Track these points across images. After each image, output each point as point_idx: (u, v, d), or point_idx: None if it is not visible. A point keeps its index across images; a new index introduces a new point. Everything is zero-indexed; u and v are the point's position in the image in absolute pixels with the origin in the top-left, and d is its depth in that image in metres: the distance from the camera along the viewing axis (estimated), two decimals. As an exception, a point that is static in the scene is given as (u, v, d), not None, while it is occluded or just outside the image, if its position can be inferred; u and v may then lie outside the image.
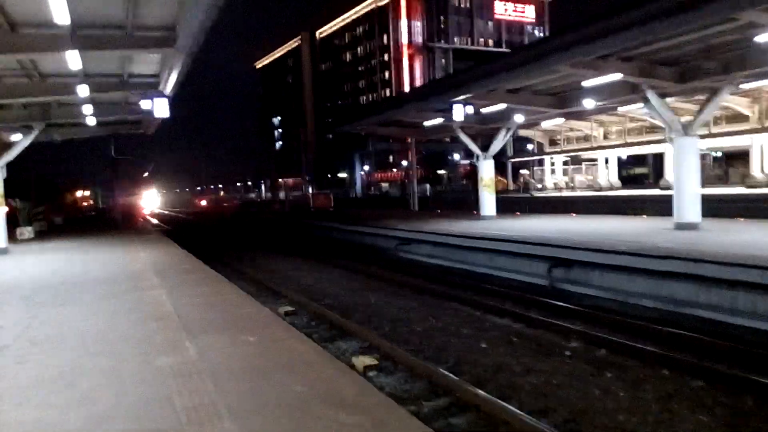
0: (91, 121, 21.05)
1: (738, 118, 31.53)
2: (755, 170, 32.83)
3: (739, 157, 44.82)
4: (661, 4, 11.31)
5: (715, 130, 30.26)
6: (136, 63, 15.09)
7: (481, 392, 7.06)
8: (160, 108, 15.33)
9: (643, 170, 59.35)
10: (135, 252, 17.10)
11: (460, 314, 11.68)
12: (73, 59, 11.94)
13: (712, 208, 16.24)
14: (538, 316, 11.01)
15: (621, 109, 27.65)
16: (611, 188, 41.64)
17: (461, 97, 19.16)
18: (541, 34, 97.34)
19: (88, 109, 18.60)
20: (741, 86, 16.44)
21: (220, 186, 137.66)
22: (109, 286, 10.64)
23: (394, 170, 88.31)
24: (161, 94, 15.57)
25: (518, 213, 27.50)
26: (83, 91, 14.82)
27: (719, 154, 41.79)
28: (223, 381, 4.94)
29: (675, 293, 10.66)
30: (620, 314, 11.12)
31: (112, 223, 38.04)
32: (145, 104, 15.42)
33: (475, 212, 27.43)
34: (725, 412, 6.57)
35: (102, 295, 9.68)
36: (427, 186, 64.70)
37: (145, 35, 12.11)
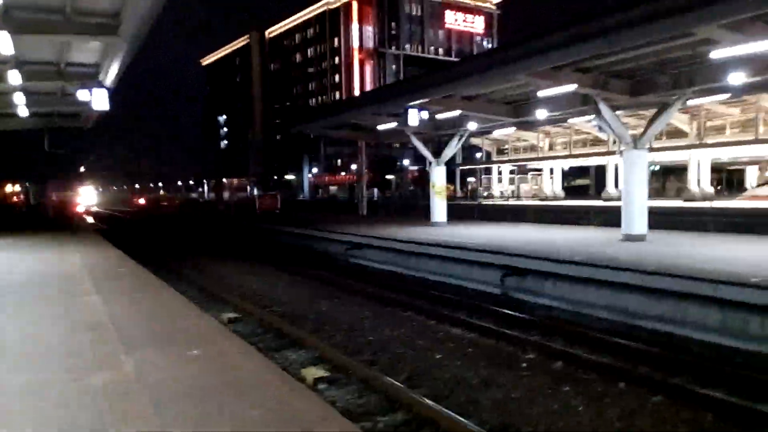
0: (23, 112, 19.66)
1: (677, 133, 32.76)
2: (692, 184, 34.12)
3: (675, 171, 46.69)
4: (623, 15, 11.36)
5: (656, 144, 31.26)
6: (75, 51, 14.10)
7: (439, 407, 6.74)
8: (99, 100, 14.38)
9: (584, 181, 61.02)
10: (68, 253, 16.00)
11: (415, 323, 11.37)
12: (3, 42, 10.94)
13: (653, 219, 16.56)
14: (493, 326, 10.82)
15: (570, 121, 28.16)
16: (555, 198, 42.54)
17: (417, 102, 18.93)
18: (490, 45, 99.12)
19: (19, 98, 17.32)
20: (688, 102, 16.85)
21: (161, 185, 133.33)
22: (36, 291, 9.75)
23: (343, 174, 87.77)
24: (101, 85, 14.62)
25: (468, 220, 27.54)
26: (14, 78, 13.71)
27: (657, 167, 43.31)
28: (165, 404, 4.36)
29: (629, 304, 10.66)
30: (575, 324, 11.07)
31: (45, 220, 35.95)
32: (82, 95, 14.43)
33: (424, 218, 27.29)
34: (688, 429, 6.47)
35: (28, 301, 8.83)
36: (375, 190, 64.55)
37: (85, 21, 11.27)
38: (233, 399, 4.44)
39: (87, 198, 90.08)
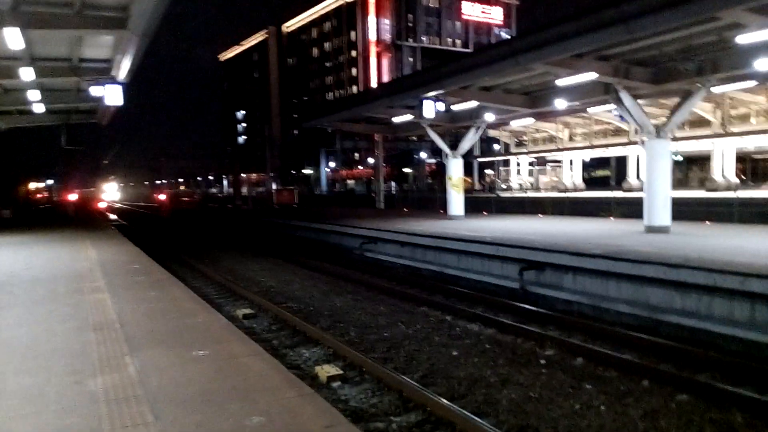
0: (39, 108, 19.72)
1: (701, 122, 31.99)
2: (716, 174, 33.32)
3: (698, 161, 45.73)
4: (643, 1, 10.95)
5: (678, 134, 30.55)
6: (87, 46, 14.03)
7: (455, 407, 6.52)
8: (112, 95, 14.30)
9: (605, 173, 60.08)
10: (84, 249, 16.02)
11: (431, 319, 11.16)
12: (13, 38, 10.85)
13: (676, 210, 16.11)
14: (511, 321, 10.59)
15: (590, 111, 27.60)
16: (575, 189, 41.85)
17: (432, 93, 18.62)
18: (508, 36, 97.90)
19: (35, 95, 17.35)
20: (713, 90, 16.32)
21: (181, 180, 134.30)
22: (49, 287, 9.70)
23: (360, 168, 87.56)
24: (114, 81, 14.55)
25: (485, 213, 27.19)
26: (28, 74, 13.67)
27: (680, 157, 42.42)
28: (166, 410, 4.19)
29: (651, 298, 10.32)
30: (595, 320, 10.78)
31: (65, 217, 36.33)
32: (96, 91, 14.37)
33: (441, 211, 26.99)
34: (716, 429, 6.16)
35: (40, 298, 8.76)
36: (393, 184, 64.28)
37: (96, 15, 11.15)
38: (237, 404, 4.26)
39: (109, 194, 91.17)
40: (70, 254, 14.73)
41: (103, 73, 15.14)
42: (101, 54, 14.71)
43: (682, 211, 18.42)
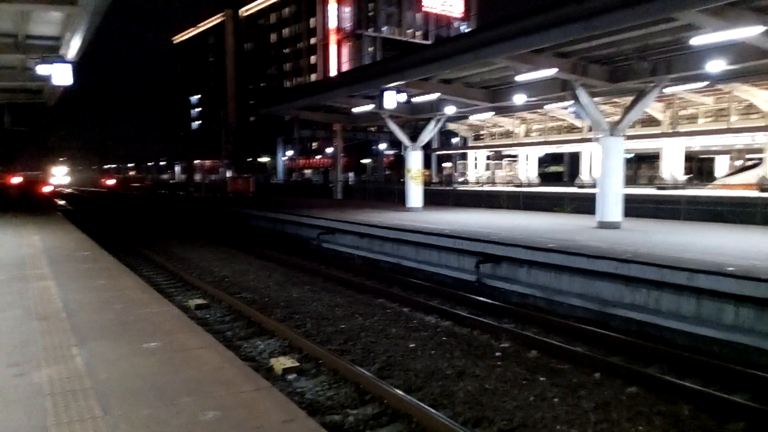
0: (-19, 87, 18.72)
1: (651, 121, 32.99)
2: (665, 172, 34.44)
3: (647, 159, 47.20)
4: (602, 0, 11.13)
5: (630, 132, 31.42)
6: (35, 22, 13.31)
7: (412, 400, 6.51)
8: (60, 75, 13.67)
9: (559, 168, 61.42)
10: (28, 235, 15.35)
11: (388, 311, 11.14)
12: (-48, 10, 10.23)
13: (627, 207, 16.55)
14: (467, 313, 10.67)
15: (547, 107, 28.08)
16: (530, 184, 42.59)
17: (394, 84, 18.55)
18: (467, 30, 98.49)
19: (-24, 72, 16.44)
20: (665, 90, 16.79)
21: (130, 165, 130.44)
22: (-11, 275, 9.23)
23: (318, 157, 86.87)
24: (63, 60, 13.89)
25: (443, 205, 27.36)
26: (-32, 50, 12.94)
27: (631, 155, 43.67)
28: (115, 404, 4.01)
29: (602, 293, 10.57)
30: (548, 313, 10.97)
31: (8, 201, 34.78)
32: (43, 69, 13.70)
33: (400, 203, 27.03)
34: (664, 421, 6.34)
35: (-21, 286, 8.33)
36: (350, 174, 64.06)
37: (43, -11, 10.58)
38: (190, 398, 4.12)
39: (59, 178, 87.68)
40: (13, 240, 14.09)
41: (52, 51, 14.42)
42: (49, 31, 14.00)
43: (633, 207, 18.94)
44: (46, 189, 58.81)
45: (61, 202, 44.53)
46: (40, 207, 30.64)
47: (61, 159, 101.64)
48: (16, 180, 42.75)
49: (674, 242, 12.52)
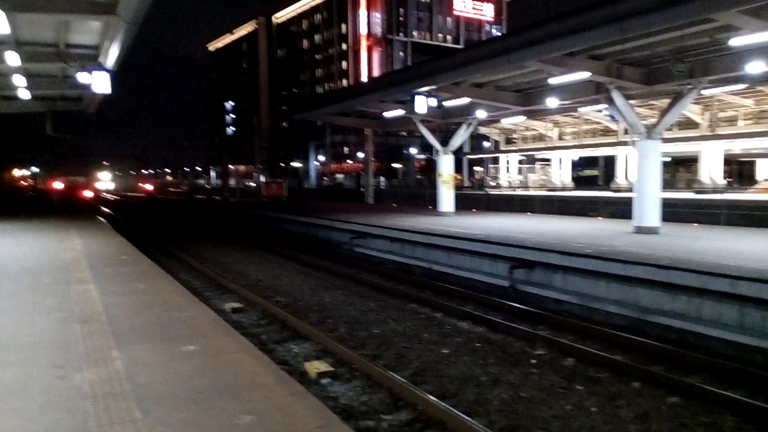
0: (25, 95, 19.34)
1: (689, 124, 32.20)
2: (703, 176, 33.59)
3: (685, 163, 46.08)
4: (637, 1, 10.91)
5: (667, 135, 30.74)
6: (75, 32, 13.73)
7: (446, 406, 6.46)
8: (100, 83, 14.04)
9: (593, 172, 60.41)
10: (70, 239, 15.76)
11: (420, 316, 11.09)
12: (-1, 21, 10.59)
13: (664, 212, 16.18)
14: (501, 320, 10.55)
15: (581, 110, 27.67)
16: (564, 188, 42.03)
17: (425, 89, 18.52)
18: (499, 33, 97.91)
19: (20, 80, 16.98)
20: (703, 92, 16.38)
21: (167, 171, 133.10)
22: (33, 278, 9.50)
23: (350, 162, 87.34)
24: (102, 68, 14.27)
25: (474, 210, 27.18)
26: (13, 59, 13.36)
27: (668, 159, 42.73)
28: (154, 407, 4.07)
29: (641, 300, 10.33)
30: (585, 320, 10.77)
31: (50, 206, 35.83)
32: (83, 78, 14.08)
33: (431, 207, 26.94)
34: (707, 433, 6.16)
35: (24, 289, 8.57)
36: (382, 179, 64.18)
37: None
38: (226, 402, 4.15)
39: (103, 184, 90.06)
40: (56, 244, 14.49)
41: (91, 59, 14.84)
42: (89, 40, 14.42)
43: (671, 212, 18.53)
44: (87, 194, 60.46)
45: (101, 207, 45.68)
46: (82, 211, 31.48)
47: (104, 163, 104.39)
48: (58, 185, 44.03)
49: (715, 248, 12.18)
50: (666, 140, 28.72)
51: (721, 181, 33.75)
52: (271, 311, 11.17)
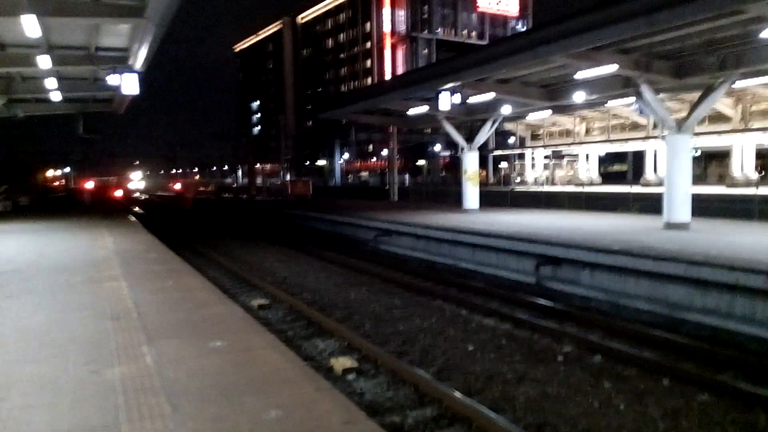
0: (56, 97, 19.83)
1: (720, 118, 31.48)
2: (735, 170, 32.83)
3: (716, 157, 45.09)
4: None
5: (697, 129, 30.12)
6: (104, 35, 14.03)
7: (472, 402, 6.44)
8: (129, 84, 14.31)
9: (622, 167, 59.49)
10: (101, 238, 16.12)
11: (446, 313, 11.07)
12: (30, 25, 10.85)
13: (695, 207, 15.86)
14: (527, 317, 10.46)
15: (608, 105, 27.26)
16: (591, 184, 41.45)
17: (449, 85, 18.44)
18: (523, 29, 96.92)
19: (52, 83, 17.41)
20: (735, 85, 16.00)
21: (196, 170, 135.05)
22: (66, 276, 9.75)
23: (374, 159, 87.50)
24: (131, 70, 14.54)
25: (500, 207, 26.99)
26: (45, 62, 13.71)
27: (698, 153, 41.88)
28: (183, 402, 4.15)
29: (671, 296, 10.16)
30: (613, 316, 10.63)
31: (82, 205, 36.65)
32: (113, 80, 14.38)
33: (456, 205, 26.84)
34: (738, 430, 6.03)
35: (57, 286, 8.80)
36: (406, 176, 64.13)
37: (113, 3, 11.15)
38: (254, 398, 4.21)
39: (135, 184, 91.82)
40: (87, 243, 14.82)
41: (120, 61, 15.14)
42: (118, 43, 14.72)
43: (702, 207, 18.16)
44: (118, 193, 61.64)
45: (132, 206, 46.54)
46: (113, 211, 32.13)
47: (135, 163, 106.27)
48: (89, 185, 44.99)
49: (747, 243, 11.91)
50: (697, 134, 28.23)
51: (754, 175, 32.94)
52: (298, 308, 11.26)
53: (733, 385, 7.07)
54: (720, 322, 9.23)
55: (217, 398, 4.22)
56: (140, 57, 14.25)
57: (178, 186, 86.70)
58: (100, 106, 25.23)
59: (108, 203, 42.54)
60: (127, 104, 24.76)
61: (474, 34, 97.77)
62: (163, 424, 3.78)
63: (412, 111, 24.24)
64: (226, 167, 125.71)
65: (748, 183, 30.20)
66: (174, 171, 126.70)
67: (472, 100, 21.02)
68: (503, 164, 59.34)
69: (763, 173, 37.63)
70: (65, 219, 23.36)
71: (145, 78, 16.98)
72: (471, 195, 23.59)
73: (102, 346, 5.57)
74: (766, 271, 8.71)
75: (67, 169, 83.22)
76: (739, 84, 18.02)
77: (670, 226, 15.16)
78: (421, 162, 75.44)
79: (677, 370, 7.62)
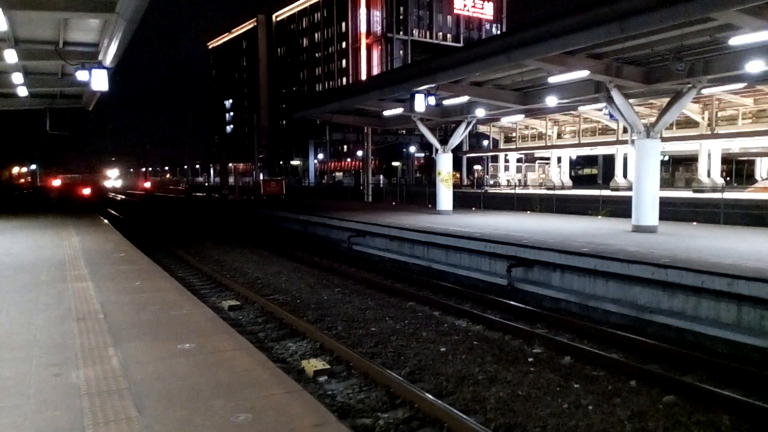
0: (23, 92, 19.31)
1: (688, 123, 32.23)
2: (702, 175, 33.62)
3: (684, 162, 46.13)
4: (636, 1, 10.90)
5: (666, 134, 30.77)
6: (73, 29, 13.70)
7: (443, 404, 6.46)
8: (98, 80, 14.02)
9: (592, 171, 60.48)
10: (68, 236, 15.76)
11: (418, 314, 11.09)
12: (-5, 18, 10.57)
13: (663, 210, 16.17)
14: (499, 318, 10.55)
15: (580, 109, 27.68)
16: (563, 187, 42.04)
17: (424, 87, 18.49)
18: (498, 32, 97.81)
19: (18, 78, 16.96)
20: (703, 91, 16.37)
21: (166, 168, 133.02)
22: (30, 275, 9.50)
23: (349, 160, 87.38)
24: (100, 66, 14.25)
25: (473, 208, 27.18)
26: (11, 57, 13.35)
27: (666, 157, 42.80)
28: (150, 405, 4.07)
29: (638, 298, 10.34)
30: (582, 318, 10.78)
31: (48, 203, 35.82)
32: (81, 75, 14.07)
33: (430, 206, 26.95)
34: (703, 431, 6.16)
35: (21, 286, 8.57)
36: (381, 177, 64.19)
37: (82, -3, 10.87)
38: (222, 400, 4.15)
39: (111, 182, 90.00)
40: (54, 241, 14.48)
41: (90, 57, 14.81)
42: (87, 38, 14.39)
43: (670, 211, 18.54)
44: (86, 191, 60.39)
45: (101, 204, 45.63)
46: (79, 208, 31.46)
47: (112, 159, 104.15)
48: (56, 183, 43.98)
49: (713, 247, 12.19)
50: (665, 139, 28.82)
51: (720, 180, 33.79)
52: (269, 309, 11.17)
53: (697, 385, 7.22)
54: (686, 325, 9.42)
55: (185, 401, 4.15)
56: (110, 53, 13.95)
57: (147, 185, 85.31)
58: (69, 102, 24.67)
59: (76, 201, 41.64)
60: (96, 101, 24.26)
61: (449, 36, 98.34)
62: (128, 428, 3.70)
63: (388, 112, 24.25)
64: (198, 165, 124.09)
65: (714, 188, 30.97)
66: (144, 169, 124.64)
67: (447, 102, 21.11)
68: (477, 166, 59.82)
69: (729, 178, 38.61)
70: (31, 217, 22.81)
71: (115, 74, 16.68)
72: (445, 196, 23.69)
73: (67, 348, 5.44)
74: (731, 275, 8.92)
75: (33, 166, 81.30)
76: (707, 90, 18.48)
77: (639, 229, 15.45)
78: (396, 163, 75.55)
79: (644, 371, 7.76)
